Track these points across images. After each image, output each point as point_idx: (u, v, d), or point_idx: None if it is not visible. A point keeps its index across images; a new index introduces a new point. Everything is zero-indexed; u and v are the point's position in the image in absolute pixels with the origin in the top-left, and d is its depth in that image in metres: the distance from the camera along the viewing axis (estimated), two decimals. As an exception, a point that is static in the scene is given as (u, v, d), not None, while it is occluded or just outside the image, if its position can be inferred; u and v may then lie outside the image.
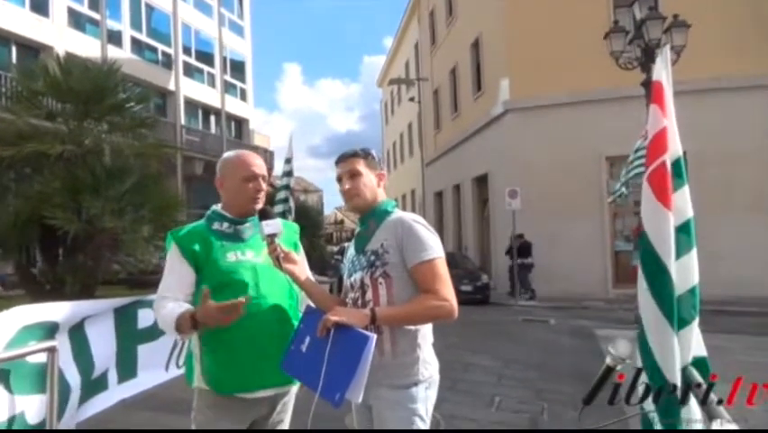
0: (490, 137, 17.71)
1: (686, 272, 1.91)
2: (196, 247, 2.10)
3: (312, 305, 2.16)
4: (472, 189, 19.90)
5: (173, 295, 2.07)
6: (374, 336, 1.84)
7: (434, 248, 2.03)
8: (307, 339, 1.97)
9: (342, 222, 56.42)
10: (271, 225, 2.08)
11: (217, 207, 2.26)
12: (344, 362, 1.82)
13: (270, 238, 2.07)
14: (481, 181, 18.95)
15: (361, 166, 2.15)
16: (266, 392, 2.10)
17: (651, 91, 1.96)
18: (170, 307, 2.01)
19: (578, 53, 14.03)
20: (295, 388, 2.24)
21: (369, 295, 2.06)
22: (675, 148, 1.97)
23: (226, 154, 2.29)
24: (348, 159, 2.18)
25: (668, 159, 1.90)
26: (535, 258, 14.67)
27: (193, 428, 2.13)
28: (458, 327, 10.43)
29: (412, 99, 27.89)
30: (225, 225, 2.18)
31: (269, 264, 2.11)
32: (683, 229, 1.94)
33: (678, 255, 1.89)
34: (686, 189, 1.98)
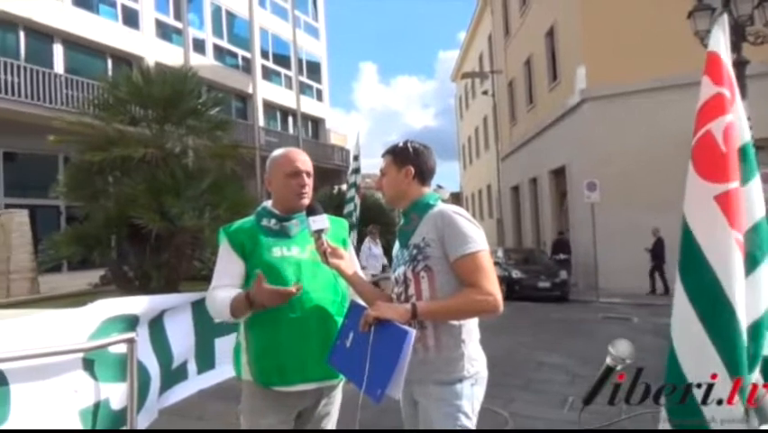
0: (567, 128, 17.09)
1: (758, 292, 1.55)
2: (244, 241, 2.18)
3: (358, 300, 2.16)
4: (550, 183, 19.29)
5: (224, 285, 2.16)
6: (413, 332, 1.81)
7: (477, 240, 1.97)
8: (351, 334, 1.97)
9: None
10: (318, 221, 2.09)
11: (267, 203, 2.31)
12: (385, 357, 1.80)
13: (317, 234, 2.08)
14: (559, 174, 18.34)
15: (388, 164, 2.20)
16: (307, 386, 2.11)
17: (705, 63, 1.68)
18: (223, 294, 2.09)
19: (658, 36, 13.21)
20: (341, 381, 2.25)
21: (411, 289, 2.04)
22: (743, 132, 1.69)
23: (273, 153, 2.32)
24: (383, 157, 2.24)
25: (715, 128, 1.59)
26: (617, 253, 13.99)
27: (240, 417, 2.19)
28: (533, 325, 10.17)
29: (485, 93, 27.41)
30: (273, 221, 2.22)
31: (314, 261, 2.13)
32: (755, 233, 1.59)
33: (748, 270, 1.53)
34: (758, 182, 1.66)
